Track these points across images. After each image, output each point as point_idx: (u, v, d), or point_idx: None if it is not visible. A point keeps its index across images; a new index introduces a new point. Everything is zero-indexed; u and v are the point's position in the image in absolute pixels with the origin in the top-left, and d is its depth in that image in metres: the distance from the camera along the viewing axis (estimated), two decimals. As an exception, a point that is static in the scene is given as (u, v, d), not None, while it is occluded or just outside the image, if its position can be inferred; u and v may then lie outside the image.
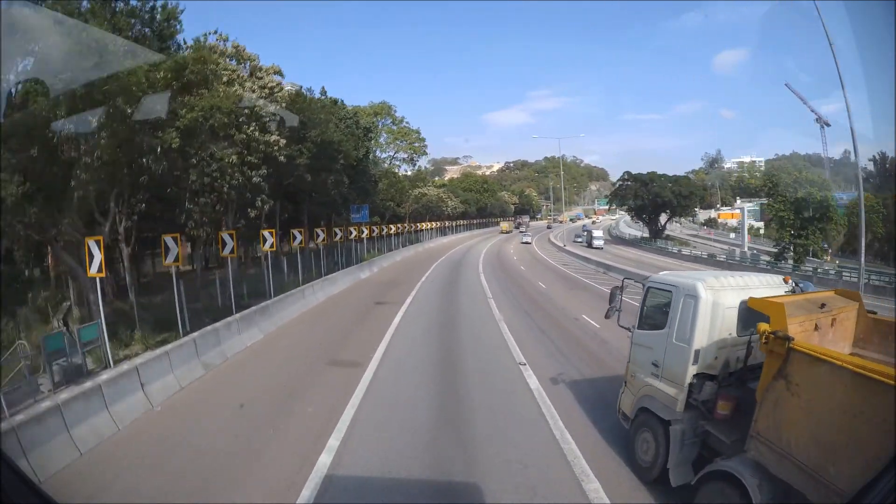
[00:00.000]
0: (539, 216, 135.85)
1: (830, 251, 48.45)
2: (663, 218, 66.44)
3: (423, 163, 56.55)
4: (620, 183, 69.42)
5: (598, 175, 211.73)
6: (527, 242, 58.01)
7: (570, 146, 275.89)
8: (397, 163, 46.26)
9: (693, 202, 66.21)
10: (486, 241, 64.37)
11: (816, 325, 4.83)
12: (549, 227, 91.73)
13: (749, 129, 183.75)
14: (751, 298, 4.96)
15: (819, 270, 32.61)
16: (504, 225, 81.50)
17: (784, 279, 5.99)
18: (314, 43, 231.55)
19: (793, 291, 5.75)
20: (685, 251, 53.03)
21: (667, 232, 70.67)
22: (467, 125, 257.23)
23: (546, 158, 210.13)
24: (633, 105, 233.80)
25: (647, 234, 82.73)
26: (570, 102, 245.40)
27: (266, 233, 17.00)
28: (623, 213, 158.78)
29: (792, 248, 36.84)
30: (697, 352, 5.36)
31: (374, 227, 35.54)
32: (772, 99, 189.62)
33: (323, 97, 30.25)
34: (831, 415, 3.80)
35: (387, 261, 34.37)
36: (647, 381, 6.04)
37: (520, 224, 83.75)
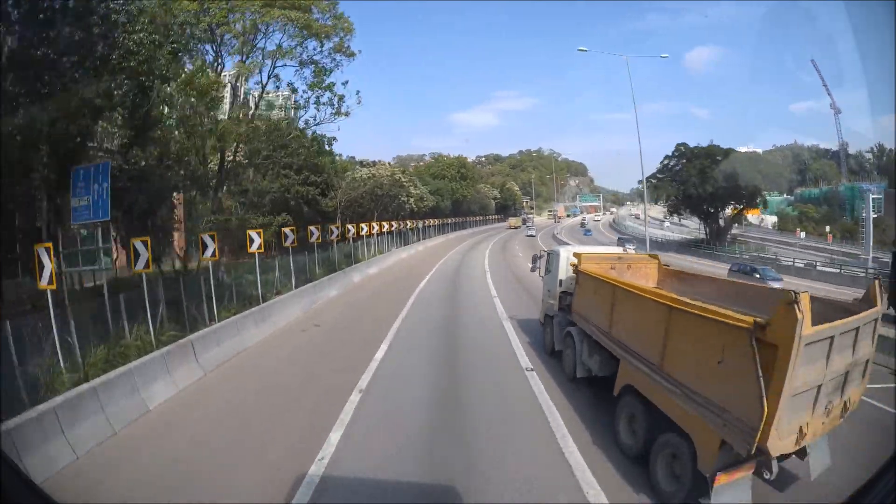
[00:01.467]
0: (522, 213, 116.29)
1: None
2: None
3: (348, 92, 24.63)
4: (666, 162, 46.99)
5: (578, 170, 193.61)
6: (531, 236, 59.51)
7: (547, 140, 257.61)
8: (292, 80, 18.61)
9: (777, 187, 45.00)
10: (476, 248, 40.27)
11: (612, 266, 9.21)
12: (556, 222, 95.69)
13: (729, 126, 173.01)
14: (575, 252, 9.82)
15: None
16: (512, 221, 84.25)
17: (624, 248, 13.19)
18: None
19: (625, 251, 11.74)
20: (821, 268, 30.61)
21: (732, 231, 48.69)
22: (434, 125, 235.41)
23: (521, 152, 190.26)
24: (607, 105, 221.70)
25: (681, 234, 61.58)
26: (539, 103, 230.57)
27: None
28: (615, 208, 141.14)
29: None
30: (561, 280, 10.27)
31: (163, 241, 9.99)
32: (752, 96, 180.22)
33: None
34: (588, 293, 8.27)
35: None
36: (547, 300, 11.26)
37: (525, 220, 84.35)
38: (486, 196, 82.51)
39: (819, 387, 4.35)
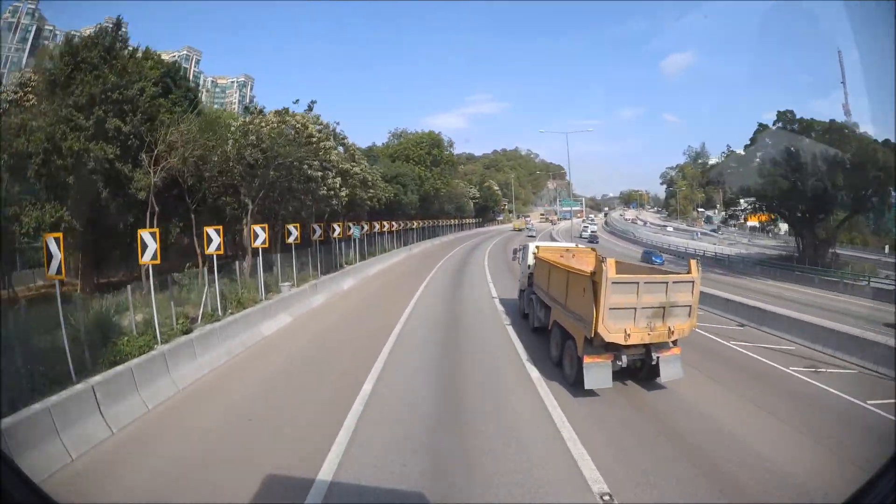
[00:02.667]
0: (500, 217, 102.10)
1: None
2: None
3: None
4: (750, 144, 30.99)
5: (556, 172, 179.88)
6: (532, 236, 56.17)
7: (523, 140, 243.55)
8: None
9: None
10: (466, 281, 22.26)
11: (561, 254, 12.88)
12: (553, 224, 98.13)
13: (710, 132, 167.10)
14: (537, 245, 14.52)
15: None
16: (516, 223, 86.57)
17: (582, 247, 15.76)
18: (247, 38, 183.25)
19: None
20: None
21: (834, 251, 33.04)
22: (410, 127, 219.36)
23: (496, 151, 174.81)
24: (577, 110, 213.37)
25: (735, 249, 46.80)
26: (509, 107, 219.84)
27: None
28: (594, 214, 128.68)
29: None
30: (529, 265, 13.72)
31: None
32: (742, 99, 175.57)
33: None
34: (540, 270, 12.06)
35: None
36: (521, 279, 15.28)
37: (527, 222, 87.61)
38: (465, 194, 64.95)
39: (635, 309, 7.85)
